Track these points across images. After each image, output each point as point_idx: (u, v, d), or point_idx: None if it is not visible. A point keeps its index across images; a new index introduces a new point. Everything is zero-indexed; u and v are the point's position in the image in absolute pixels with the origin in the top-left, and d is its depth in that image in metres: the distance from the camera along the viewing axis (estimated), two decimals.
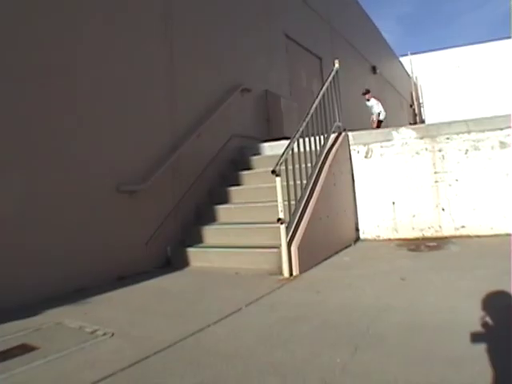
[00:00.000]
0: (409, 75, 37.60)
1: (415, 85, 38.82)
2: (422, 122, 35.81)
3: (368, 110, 17.29)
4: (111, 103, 6.94)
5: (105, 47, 6.96)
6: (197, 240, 7.60)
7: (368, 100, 17.03)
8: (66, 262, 5.95)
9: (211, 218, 8.03)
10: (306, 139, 7.37)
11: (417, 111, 37.84)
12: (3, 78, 5.51)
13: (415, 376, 2.94)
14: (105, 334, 4.14)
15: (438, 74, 39.52)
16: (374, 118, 16.97)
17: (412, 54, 39.97)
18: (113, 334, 4.13)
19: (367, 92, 17.07)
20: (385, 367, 3.08)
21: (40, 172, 5.81)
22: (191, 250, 7.33)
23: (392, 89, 28.44)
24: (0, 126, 5.41)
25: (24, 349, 3.89)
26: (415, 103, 37.97)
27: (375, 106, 16.94)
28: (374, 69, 23.21)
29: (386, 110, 17.17)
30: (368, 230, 8.75)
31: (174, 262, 7.40)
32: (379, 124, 16.66)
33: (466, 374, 2.90)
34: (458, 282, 5.14)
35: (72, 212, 6.14)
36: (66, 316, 4.80)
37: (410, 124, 21.51)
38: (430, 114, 37.53)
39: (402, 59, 36.08)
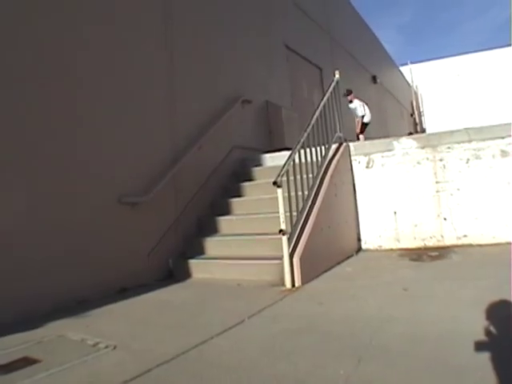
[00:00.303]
0: (409, 84, 37.66)
1: (415, 94, 38.89)
2: (423, 130, 35.84)
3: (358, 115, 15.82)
4: (114, 120, 6.97)
5: (105, 53, 7.01)
6: (199, 252, 7.59)
7: (351, 102, 15.53)
8: (67, 273, 5.95)
9: (213, 230, 8.03)
10: (308, 150, 7.38)
11: (417, 120, 37.89)
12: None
13: None
14: (107, 347, 4.14)
15: (439, 83, 39.60)
16: (357, 121, 15.74)
17: (412, 63, 40.09)
18: (115, 347, 4.13)
19: (349, 93, 15.28)
20: (388, 378, 3.08)
21: (41, 183, 5.82)
22: (193, 262, 7.32)
23: (392, 98, 28.51)
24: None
25: (26, 362, 3.89)
26: (416, 112, 38.02)
27: (358, 109, 15.59)
28: (374, 78, 23.24)
29: (371, 113, 16.01)
30: (370, 240, 8.75)
31: (176, 273, 7.39)
32: (363, 128, 15.68)
33: (468, 383, 2.90)
34: (460, 292, 5.13)
35: (74, 224, 6.14)
36: (68, 329, 4.80)
37: (410, 133, 21.33)
38: (430, 123, 37.54)
39: (402, 68, 36.19)
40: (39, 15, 6.07)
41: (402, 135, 9.95)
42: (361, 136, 14.78)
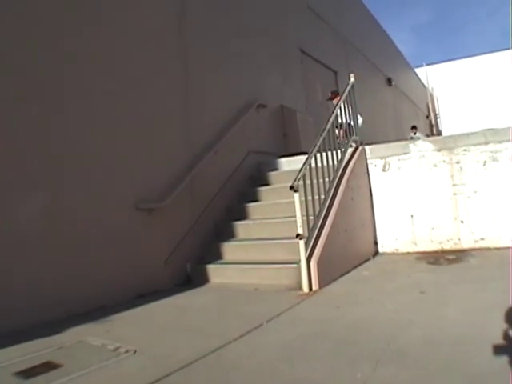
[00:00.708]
0: (424, 86, 37.48)
1: (431, 96, 38.70)
2: (439, 133, 35.66)
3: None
4: (128, 124, 7.04)
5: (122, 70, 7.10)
6: (216, 256, 7.63)
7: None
8: (86, 279, 6.01)
9: (230, 235, 8.07)
10: (324, 154, 7.39)
11: (433, 122, 37.69)
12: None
13: None
14: (127, 352, 4.19)
15: (455, 84, 39.37)
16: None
17: (427, 64, 39.89)
18: (135, 352, 4.18)
19: (335, 95, 12.32)
20: (405, 383, 3.09)
21: (60, 192, 5.91)
22: (211, 267, 7.36)
23: (408, 100, 28.40)
24: (24, 146, 5.53)
25: (48, 366, 3.95)
26: (432, 114, 37.82)
27: None
28: (389, 81, 23.17)
29: (364, 116, 13.40)
30: (387, 243, 8.72)
31: (194, 278, 7.42)
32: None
33: None
34: (477, 295, 5.12)
35: (91, 229, 6.22)
36: (88, 334, 4.86)
37: (413, 127, 21.02)
38: (447, 125, 37.30)
39: (418, 70, 36.03)
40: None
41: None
42: None
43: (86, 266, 6.06)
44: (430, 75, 38.79)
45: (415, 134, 20.49)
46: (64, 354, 4.27)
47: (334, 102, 12.22)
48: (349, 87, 9.04)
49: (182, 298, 6.42)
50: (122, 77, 7.07)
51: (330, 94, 12.85)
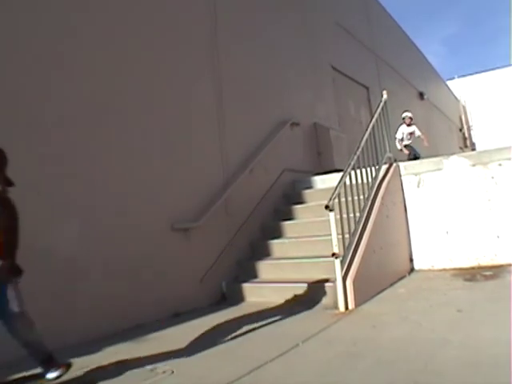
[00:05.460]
0: (457, 99, 37.14)
1: (464, 108, 38.31)
2: (473, 145, 35.30)
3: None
4: (162, 145, 7.16)
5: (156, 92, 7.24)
6: (251, 275, 7.67)
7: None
8: (124, 299, 6.10)
9: (265, 253, 8.10)
10: (358, 171, 7.42)
11: (467, 135, 37.30)
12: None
13: None
14: (164, 372, 4.24)
15: (487, 96, 38.81)
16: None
17: (459, 76, 39.57)
18: (172, 372, 4.22)
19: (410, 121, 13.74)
20: None
21: (95, 215, 6.04)
22: (246, 286, 7.39)
23: (440, 114, 28.15)
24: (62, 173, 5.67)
25: None
26: (465, 127, 37.44)
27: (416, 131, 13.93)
28: (421, 95, 23.03)
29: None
30: (422, 260, 8.65)
31: (229, 297, 7.47)
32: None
33: None
34: None
35: (129, 251, 6.33)
36: (126, 353, 4.91)
37: (460, 148, 20.78)
38: (480, 137, 36.85)
39: (450, 83, 35.75)
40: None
41: (452, 152, 9.85)
42: None
43: (124, 286, 6.15)
44: (462, 87, 38.43)
45: None
46: (103, 374, 4.33)
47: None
48: (382, 104, 9.03)
49: (217, 318, 6.40)
50: (159, 103, 7.25)
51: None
